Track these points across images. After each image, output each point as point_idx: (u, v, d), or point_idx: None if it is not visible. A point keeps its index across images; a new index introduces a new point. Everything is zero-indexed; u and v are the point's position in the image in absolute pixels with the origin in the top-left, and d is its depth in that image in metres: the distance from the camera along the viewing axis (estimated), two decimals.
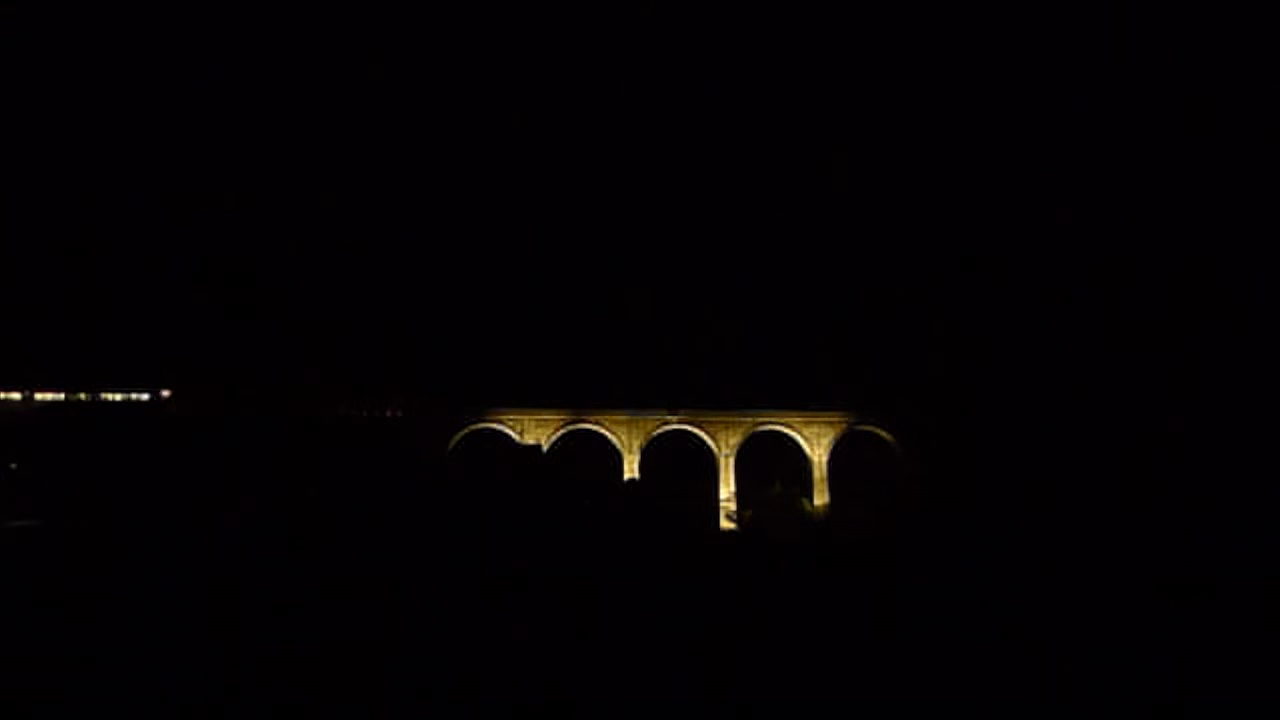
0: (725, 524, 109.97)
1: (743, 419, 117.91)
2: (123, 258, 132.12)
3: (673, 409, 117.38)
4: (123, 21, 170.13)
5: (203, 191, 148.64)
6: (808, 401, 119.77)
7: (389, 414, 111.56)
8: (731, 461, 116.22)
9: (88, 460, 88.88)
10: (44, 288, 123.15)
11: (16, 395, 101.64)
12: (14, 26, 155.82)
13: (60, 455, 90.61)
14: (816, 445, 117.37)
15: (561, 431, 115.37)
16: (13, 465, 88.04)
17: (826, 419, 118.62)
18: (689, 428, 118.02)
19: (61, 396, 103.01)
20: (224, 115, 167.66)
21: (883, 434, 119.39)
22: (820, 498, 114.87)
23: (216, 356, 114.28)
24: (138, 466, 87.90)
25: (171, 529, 72.80)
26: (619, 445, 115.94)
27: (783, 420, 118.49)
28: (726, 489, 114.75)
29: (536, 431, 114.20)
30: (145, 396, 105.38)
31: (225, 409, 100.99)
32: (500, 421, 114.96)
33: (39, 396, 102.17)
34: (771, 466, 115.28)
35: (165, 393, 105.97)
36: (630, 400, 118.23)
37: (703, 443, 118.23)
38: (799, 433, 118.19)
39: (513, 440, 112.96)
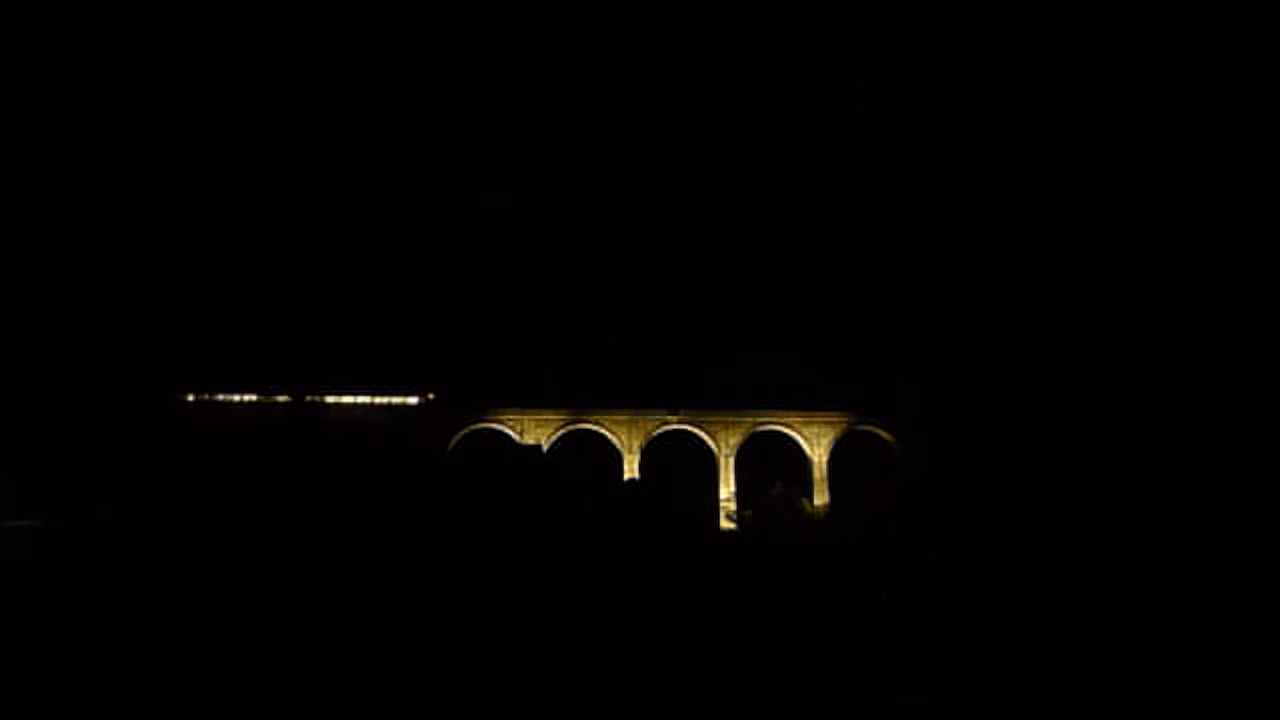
0: (725, 524, 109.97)
1: (743, 419, 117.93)
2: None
3: (673, 409, 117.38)
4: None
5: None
6: (808, 401, 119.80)
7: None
8: (731, 461, 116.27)
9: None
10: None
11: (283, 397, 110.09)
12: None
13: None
14: (816, 445, 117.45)
15: (561, 431, 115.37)
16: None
17: (826, 419, 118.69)
18: (689, 428, 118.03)
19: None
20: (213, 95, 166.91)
21: (883, 434, 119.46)
22: (820, 498, 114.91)
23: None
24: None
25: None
26: (619, 445, 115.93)
27: (783, 420, 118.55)
28: (726, 489, 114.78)
29: (536, 431, 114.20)
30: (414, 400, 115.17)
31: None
32: (500, 421, 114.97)
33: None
34: (771, 466, 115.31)
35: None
36: (630, 400, 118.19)
37: (703, 443, 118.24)
38: (799, 433, 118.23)
39: (513, 440, 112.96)
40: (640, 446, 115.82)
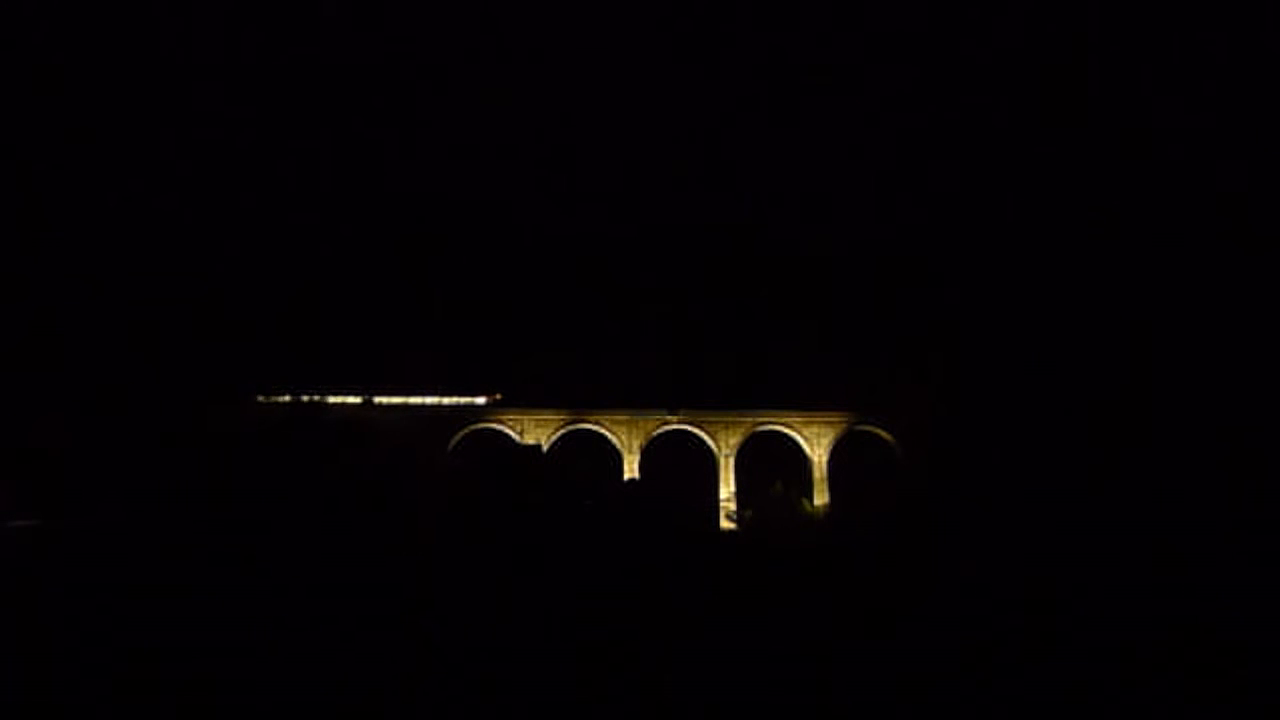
0: (725, 524, 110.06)
1: (743, 419, 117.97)
2: None
3: (673, 409, 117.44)
4: None
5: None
6: (808, 401, 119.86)
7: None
8: (731, 461, 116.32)
9: None
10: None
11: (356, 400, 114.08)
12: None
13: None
14: (816, 445, 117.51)
15: (561, 431, 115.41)
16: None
17: (826, 419, 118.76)
18: (689, 428, 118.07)
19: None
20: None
21: (883, 434, 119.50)
22: (820, 498, 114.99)
23: None
24: None
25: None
26: (619, 445, 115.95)
27: (783, 420, 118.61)
28: (726, 489, 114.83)
29: (536, 431, 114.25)
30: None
31: None
32: (500, 421, 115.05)
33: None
34: (771, 466, 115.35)
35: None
36: (630, 400, 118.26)
37: (703, 443, 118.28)
38: (799, 433, 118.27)
39: (513, 440, 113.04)
40: (640, 446, 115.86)
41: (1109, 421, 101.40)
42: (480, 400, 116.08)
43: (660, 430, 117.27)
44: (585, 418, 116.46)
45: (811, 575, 74.90)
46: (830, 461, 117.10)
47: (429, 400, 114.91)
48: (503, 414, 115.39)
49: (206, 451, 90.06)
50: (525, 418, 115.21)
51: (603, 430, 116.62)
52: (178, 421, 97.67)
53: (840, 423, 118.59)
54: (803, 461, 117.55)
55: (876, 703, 42.58)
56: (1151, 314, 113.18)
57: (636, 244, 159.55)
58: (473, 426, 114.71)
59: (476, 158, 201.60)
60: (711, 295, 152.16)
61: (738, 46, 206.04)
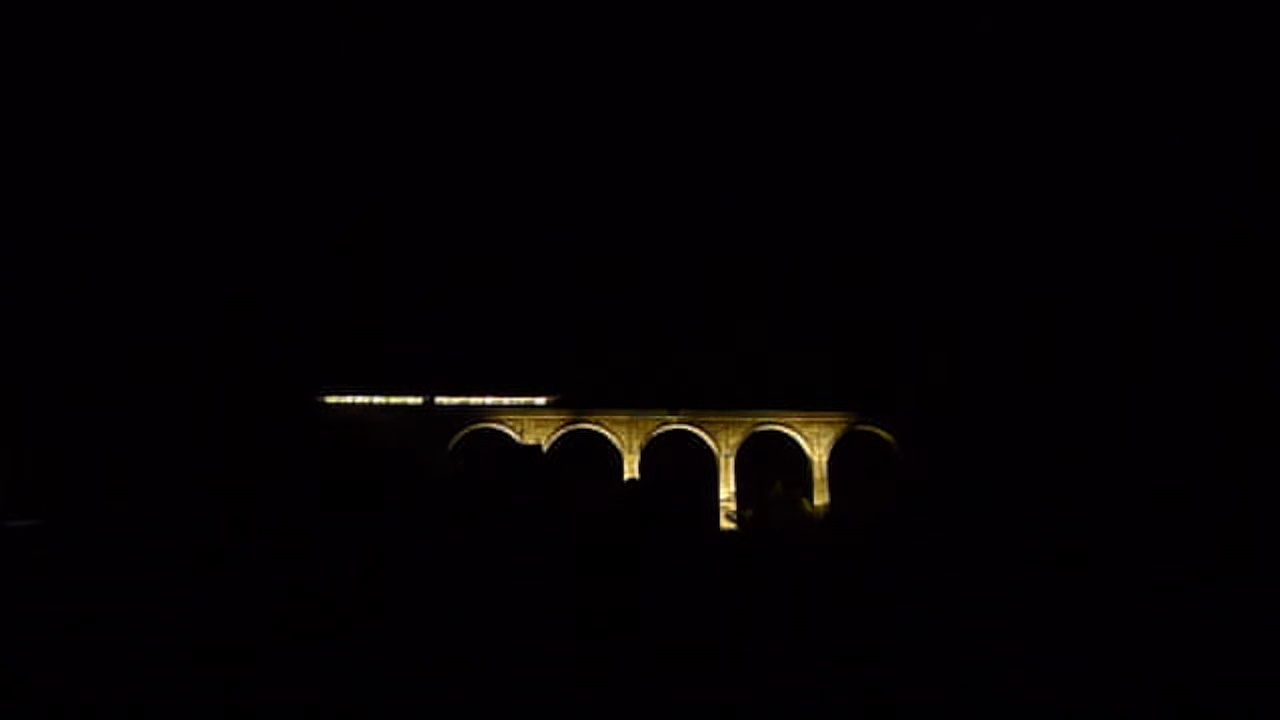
0: (725, 524, 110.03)
1: (743, 419, 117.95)
2: None
3: (673, 409, 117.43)
4: None
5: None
6: (808, 401, 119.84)
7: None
8: (731, 461, 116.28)
9: None
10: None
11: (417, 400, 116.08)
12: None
13: None
14: (816, 445, 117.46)
15: (561, 431, 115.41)
16: None
17: (826, 419, 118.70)
18: (689, 428, 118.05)
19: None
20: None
21: (883, 434, 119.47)
22: (820, 498, 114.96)
23: None
24: None
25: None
26: (619, 445, 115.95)
27: (783, 420, 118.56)
28: (726, 489, 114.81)
29: (536, 431, 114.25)
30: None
31: None
32: (500, 421, 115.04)
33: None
34: (771, 466, 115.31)
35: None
36: (630, 400, 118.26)
37: (703, 443, 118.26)
38: (799, 433, 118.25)
39: (513, 440, 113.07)
40: (640, 446, 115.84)
41: (1108, 420, 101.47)
42: (540, 400, 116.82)
43: (660, 430, 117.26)
44: (585, 418, 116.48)
45: (812, 575, 74.95)
46: (830, 461, 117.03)
47: (487, 401, 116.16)
48: (503, 414, 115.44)
49: (206, 451, 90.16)
50: (525, 418, 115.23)
51: (603, 430, 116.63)
52: (177, 420, 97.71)
53: (840, 423, 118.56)
54: (803, 461, 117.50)
55: (877, 703, 42.61)
56: (1150, 312, 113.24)
57: (637, 244, 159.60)
58: (473, 427, 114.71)
59: (475, 157, 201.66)
60: (711, 295, 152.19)
61: (740, 43, 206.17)
